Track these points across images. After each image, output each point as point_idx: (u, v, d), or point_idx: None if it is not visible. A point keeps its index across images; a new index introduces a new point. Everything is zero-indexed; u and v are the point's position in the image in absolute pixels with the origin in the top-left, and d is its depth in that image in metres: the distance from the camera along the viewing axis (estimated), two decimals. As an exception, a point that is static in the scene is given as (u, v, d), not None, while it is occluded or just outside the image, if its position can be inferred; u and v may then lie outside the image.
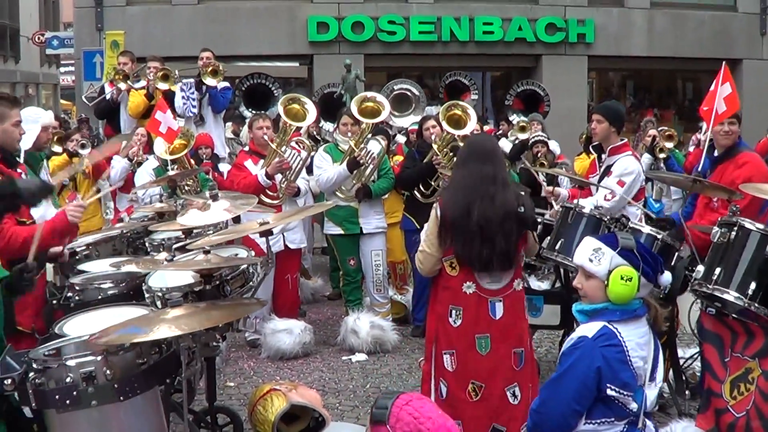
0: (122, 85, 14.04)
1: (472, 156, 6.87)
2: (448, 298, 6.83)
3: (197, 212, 6.79)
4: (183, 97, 13.48)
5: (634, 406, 4.82)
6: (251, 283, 6.68)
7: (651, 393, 4.94)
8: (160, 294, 6.20)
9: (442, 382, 6.86)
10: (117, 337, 4.89)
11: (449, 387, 6.82)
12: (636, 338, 4.88)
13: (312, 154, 11.36)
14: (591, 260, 4.91)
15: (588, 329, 4.88)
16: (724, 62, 8.94)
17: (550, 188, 9.55)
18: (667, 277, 5.08)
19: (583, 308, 5.02)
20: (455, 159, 7.19)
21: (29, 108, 10.31)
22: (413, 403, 4.61)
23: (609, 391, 4.77)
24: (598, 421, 4.88)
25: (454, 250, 6.72)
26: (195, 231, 8.07)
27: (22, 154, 8.40)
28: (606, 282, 4.85)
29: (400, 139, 15.40)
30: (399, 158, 12.80)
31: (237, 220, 9.73)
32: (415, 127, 13.69)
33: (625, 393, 4.80)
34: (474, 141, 7.13)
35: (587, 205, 8.58)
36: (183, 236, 8.11)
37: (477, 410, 6.75)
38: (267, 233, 6.59)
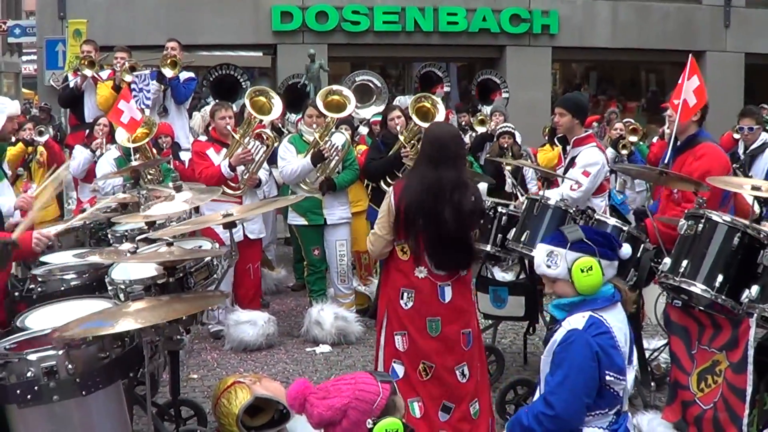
0: (87, 72, 13.87)
1: (435, 156, 6.88)
2: (399, 280, 6.97)
3: (161, 204, 6.75)
4: (135, 89, 13.31)
5: (623, 389, 4.88)
6: (215, 275, 6.65)
7: (629, 375, 5.02)
8: (123, 287, 6.16)
9: (396, 362, 7.00)
10: (80, 331, 4.84)
11: (405, 367, 6.97)
12: (618, 323, 4.99)
13: (276, 145, 11.32)
14: (549, 266, 5.05)
15: (576, 322, 4.96)
16: (690, 55, 8.94)
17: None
18: (626, 249, 5.21)
19: (560, 302, 5.12)
20: (419, 151, 7.19)
21: (-6, 96, 10.20)
22: (318, 391, 4.53)
23: (607, 378, 4.84)
24: (592, 414, 4.93)
25: (409, 246, 6.86)
26: (158, 222, 8.00)
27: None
28: (570, 279, 4.90)
29: (362, 130, 15.39)
30: (362, 147, 12.76)
31: (197, 210, 9.69)
32: (378, 118, 13.68)
33: (620, 378, 4.87)
34: (438, 139, 7.00)
35: (554, 196, 8.60)
36: (146, 227, 8.05)
37: (427, 389, 6.93)
38: (231, 225, 6.58)
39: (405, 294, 6.92)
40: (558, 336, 5.03)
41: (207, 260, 6.58)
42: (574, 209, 8.14)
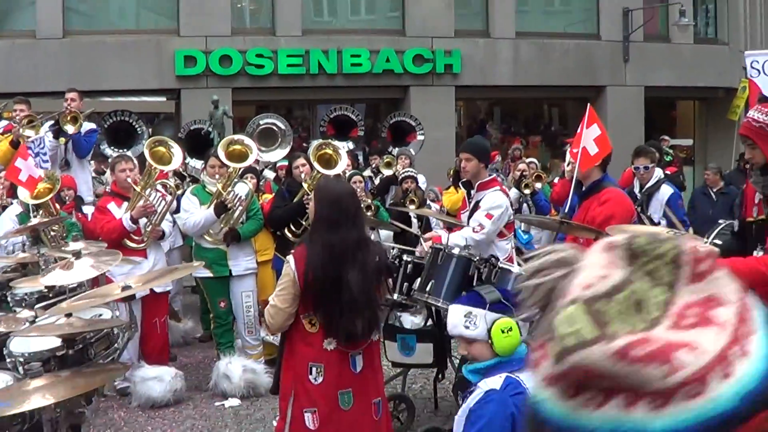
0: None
1: (334, 218, 6.56)
2: (307, 354, 6.59)
3: (60, 271, 6.64)
4: (32, 155, 13.04)
5: None
6: (116, 344, 6.55)
7: None
8: (21, 359, 6.03)
9: None
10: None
11: None
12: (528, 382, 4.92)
13: (178, 193, 11.25)
14: (467, 327, 4.90)
15: (493, 383, 4.85)
16: (588, 104, 9.06)
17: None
18: None
19: (476, 367, 4.97)
20: (315, 215, 6.83)
21: None
22: None
23: None
24: None
25: (318, 317, 6.55)
26: (57, 288, 7.87)
27: None
28: (489, 341, 4.85)
29: (269, 174, 15.36)
30: (268, 196, 12.73)
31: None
32: (285, 163, 13.65)
33: None
34: (335, 199, 6.67)
35: (457, 239, 8.65)
36: (46, 291, 7.92)
37: None
38: (129, 298, 6.49)
39: (314, 369, 6.55)
40: (473, 397, 4.92)
41: (107, 330, 6.49)
42: (477, 258, 8.17)
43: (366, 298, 6.52)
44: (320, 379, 6.55)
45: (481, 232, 8.97)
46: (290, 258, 6.64)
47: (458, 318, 4.98)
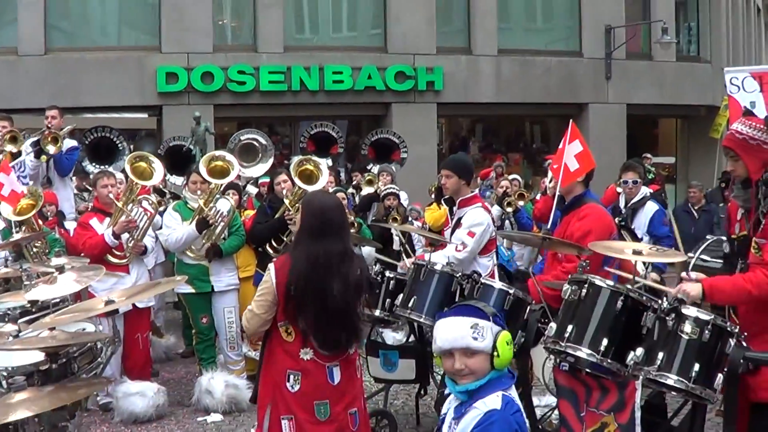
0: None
1: (319, 229, 6.64)
2: (285, 362, 6.64)
3: (43, 286, 6.62)
4: (14, 170, 12.95)
5: None
6: (99, 358, 6.54)
7: None
8: (5, 374, 6.00)
9: None
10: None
11: None
12: (518, 401, 4.92)
13: (160, 209, 11.24)
14: (475, 338, 4.75)
15: (492, 402, 4.80)
16: (571, 120, 9.10)
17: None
18: None
19: (467, 388, 4.86)
20: (300, 225, 6.93)
21: None
22: None
23: None
24: None
25: (296, 326, 6.61)
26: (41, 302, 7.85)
27: None
28: (495, 353, 4.80)
29: (251, 190, 15.34)
30: (250, 212, 12.74)
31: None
32: (267, 179, 13.66)
33: None
34: (321, 210, 6.76)
35: (440, 258, 8.68)
36: (29, 305, 7.89)
37: None
38: (112, 312, 6.48)
39: (291, 376, 6.60)
40: (471, 419, 4.83)
41: (90, 344, 6.48)
42: (460, 274, 8.21)
43: (347, 309, 6.59)
44: (297, 387, 6.59)
45: (464, 251, 9.05)
46: (271, 266, 6.72)
47: (464, 329, 4.82)
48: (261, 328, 6.73)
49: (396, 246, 13.90)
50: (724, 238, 7.27)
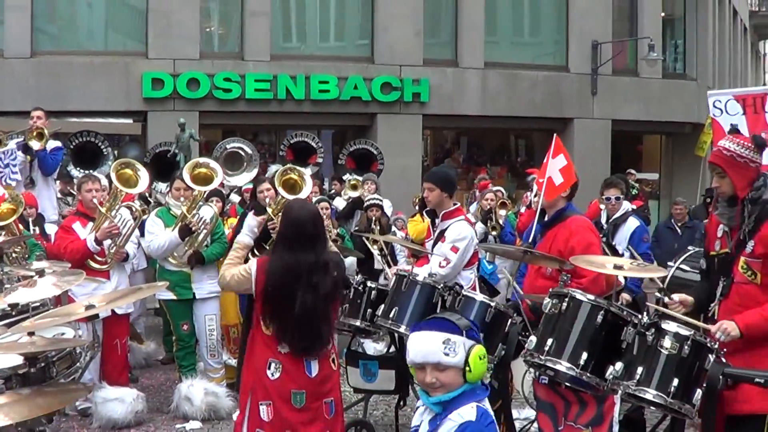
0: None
1: (292, 238, 7.06)
2: (266, 351, 7.06)
3: (23, 289, 6.60)
4: (1, 165, 12.99)
5: None
6: (78, 363, 6.52)
7: None
8: (-17, 377, 5.98)
9: None
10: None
11: None
12: (492, 413, 4.92)
13: (144, 218, 11.21)
14: (447, 353, 4.73)
15: (466, 413, 4.77)
16: (555, 134, 9.10)
17: None
18: None
19: (440, 399, 4.83)
20: (278, 232, 7.29)
21: None
22: None
23: None
24: None
25: (272, 328, 7.03)
26: (20, 306, 7.84)
27: None
28: (467, 368, 4.78)
29: (234, 198, 15.31)
30: (233, 220, 12.71)
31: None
32: (250, 186, 13.64)
33: None
34: (295, 220, 7.15)
35: (423, 273, 8.69)
36: (9, 309, 7.88)
37: None
38: (93, 317, 6.46)
39: (272, 365, 7.03)
40: (447, 430, 4.80)
41: (69, 349, 6.46)
42: (441, 286, 8.21)
43: (318, 316, 6.99)
44: (277, 375, 7.03)
45: (447, 267, 9.10)
46: (254, 261, 7.20)
47: (436, 344, 4.77)
48: (230, 287, 7.67)
49: (377, 265, 13.78)
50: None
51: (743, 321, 6.29)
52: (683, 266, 10.75)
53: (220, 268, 11.14)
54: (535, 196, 10.65)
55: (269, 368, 7.00)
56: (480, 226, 14.16)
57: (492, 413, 4.86)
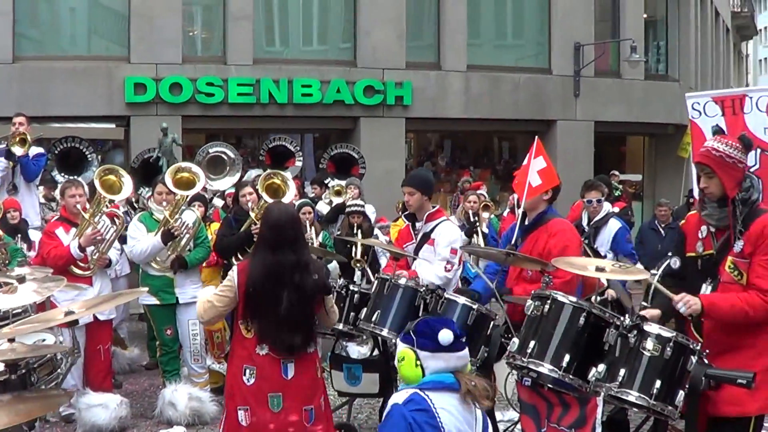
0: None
1: (273, 240, 7.12)
2: (242, 357, 7.14)
3: (3, 296, 6.57)
4: None
5: None
6: (59, 369, 6.50)
7: None
8: (-37, 383, 5.95)
9: None
10: None
11: None
12: (450, 407, 4.98)
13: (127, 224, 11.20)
14: (394, 355, 5.16)
15: (398, 397, 5.07)
16: (536, 137, 9.12)
17: None
18: (445, 335, 5.13)
19: (401, 388, 5.22)
20: (258, 235, 7.38)
21: None
22: None
23: None
24: None
25: (252, 326, 7.08)
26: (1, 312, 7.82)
27: None
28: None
29: (218, 202, 15.31)
30: (216, 225, 12.68)
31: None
32: (233, 190, 13.64)
33: None
34: (275, 222, 7.22)
35: (429, 276, 8.74)
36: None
37: None
38: (73, 323, 6.45)
39: (247, 371, 7.08)
40: (386, 410, 5.16)
41: (50, 355, 6.44)
42: (423, 289, 8.23)
43: (301, 316, 7.09)
44: (252, 381, 7.08)
45: (453, 270, 9.19)
46: (235, 268, 7.19)
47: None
48: (215, 319, 7.48)
49: (357, 279, 13.75)
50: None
51: (708, 299, 6.31)
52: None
53: (202, 276, 11.23)
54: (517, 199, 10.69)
55: (245, 374, 7.07)
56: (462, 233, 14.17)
57: (434, 404, 4.99)
